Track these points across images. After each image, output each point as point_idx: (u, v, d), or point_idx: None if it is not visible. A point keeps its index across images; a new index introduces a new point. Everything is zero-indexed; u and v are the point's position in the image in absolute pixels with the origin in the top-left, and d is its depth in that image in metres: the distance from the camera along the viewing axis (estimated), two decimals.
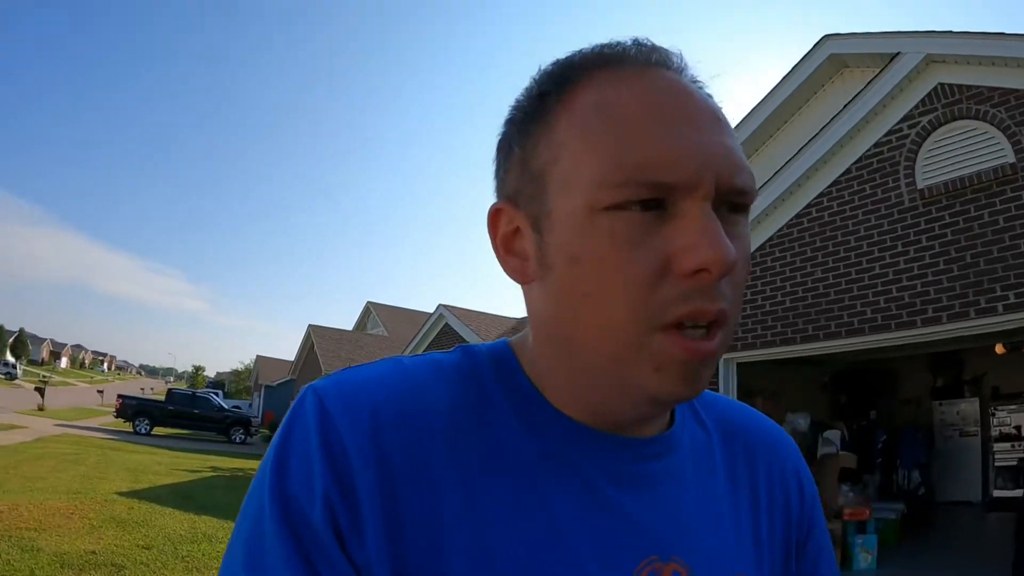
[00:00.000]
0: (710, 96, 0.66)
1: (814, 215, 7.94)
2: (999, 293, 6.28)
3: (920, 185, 7.01)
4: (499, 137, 0.73)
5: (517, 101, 0.71)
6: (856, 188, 7.58)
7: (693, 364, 0.61)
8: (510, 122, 0.71)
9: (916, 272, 6.90)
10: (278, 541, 0.58)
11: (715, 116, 0.63)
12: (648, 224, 0.59)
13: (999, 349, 9.85)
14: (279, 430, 0.65)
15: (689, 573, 0.69)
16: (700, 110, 0.62)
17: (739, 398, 8.57)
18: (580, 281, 0.62)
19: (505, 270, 0.72)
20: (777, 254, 8.25)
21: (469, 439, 0.66)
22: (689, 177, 0.58)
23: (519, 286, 0.73)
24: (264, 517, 0.60)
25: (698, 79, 0.67)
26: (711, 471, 0.80)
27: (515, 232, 0.70)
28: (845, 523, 8.18)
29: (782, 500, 0.85)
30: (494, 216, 0.71)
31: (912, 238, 7.00)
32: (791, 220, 8.15)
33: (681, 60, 0.67)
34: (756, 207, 8.32)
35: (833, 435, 9.81)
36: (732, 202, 0.62)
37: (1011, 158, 6.40)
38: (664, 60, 0.66)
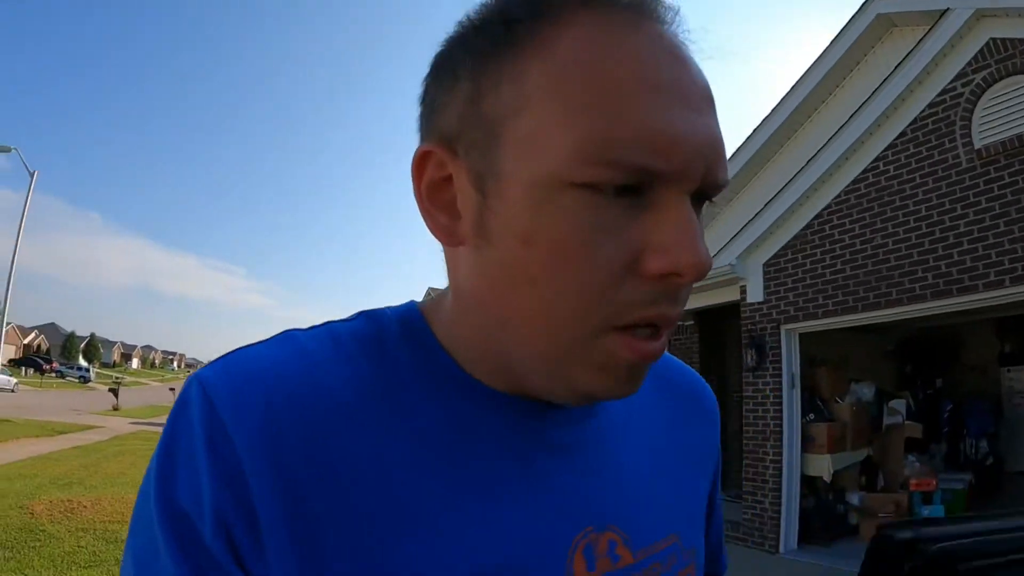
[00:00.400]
0: (700, 68, 0.57)
1: (871, 180, 7.81)
2: None
3: (977, 145, 6.85)
4: (439, 57, 0.62)
5: (470, 20, 0.60)
6: (912, 151, 7.44)
7: (640, 365, 0.58)
8: (460, 44, 0.60)
9: (977, 235, 6.75)
10: (170, 558, 0.53)
11: (707, 95, 0.56)
12: (619, 212, 0.53)
13: None
14: (165, 428, 0.58)
15: (625, 541, 0.67)
16: (697, 86, 0.55)
17: (802, 368, 8.58)
18: (528, 265, 0.54)
19: (428, 224, 0.62)
20: (835, 222, 8.15)
21: (379, 421, 0.60)
22: (679, 166, 0.52)
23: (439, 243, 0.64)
24: (154, 529, 0.54)
25: (688, 36, 0.58)
26: (644, 429, 0.77)
27: (445, 181, 0.60)
28: (911, 493, 8.11)
29: (705, 452, 0.85)
30: (421, 159, 0.60)
31: (971, 200, 6.85)
32: (847, 187, 8.04)
33: (676, 15, 0.58)
34: (812, 175, 8.28)
35: (899, 404, 9.70)
36: (703, 195, 0.57)
37: None
38: (657, 10, 0.57)
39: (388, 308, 0.69)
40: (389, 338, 0.65)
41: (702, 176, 0.54)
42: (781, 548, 8.07)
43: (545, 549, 0.62)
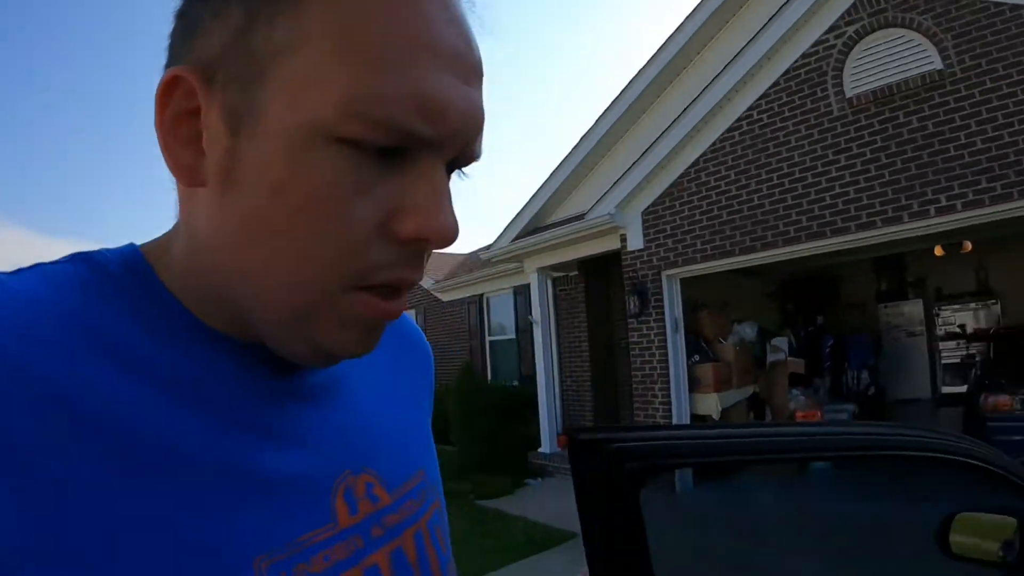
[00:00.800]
0: (476, 40, 0.56)
1: (745, 128, 7.95)
2: (930, 197, 6.41)
3: (849, 94, 7.03)
4: None
5: None
6: (785, 100, 7.58)
7: (379, 324, 0.58)
8: None
9: (848, 179, 7.00)
10: None
11: (480, 69, 0.55)
12: (377, 171, 0.51)
13: (938, 251, 10.05)
14: None
15: (380, 481, 0.67)
16: (472, 58, 0.54)
17: (685, 312, 8.80)
18: (276, 216, 0.51)
19: (167, 159, 0.54)
20: (711, 169, 8.28)
21: (114, 372, 0.51)
22: (445, 136, 0.52)
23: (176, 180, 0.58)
24: None
25: (473, 8, 0.57)
26: (376, 374, 0.75)
27: (192, 114, 0.53)
28: None
29: (425, 394, 0.87)
30: (169, 84, 0.53)
31: (843, 146, 7.07)
32: (722, 135, 8.15)
33: None
34: (687, 124, 8.36)
35: (780, 342, 10.04)
36: (455, 164, 0.57)
37: (938, 64, 6.39)
38: None
39: (105, 250, 0.60)
40: (111, 282, 0.57)
41: (462, 148, 0.54)
42: (677, 486, 8.28)
43: (309, 495, 0.60)
